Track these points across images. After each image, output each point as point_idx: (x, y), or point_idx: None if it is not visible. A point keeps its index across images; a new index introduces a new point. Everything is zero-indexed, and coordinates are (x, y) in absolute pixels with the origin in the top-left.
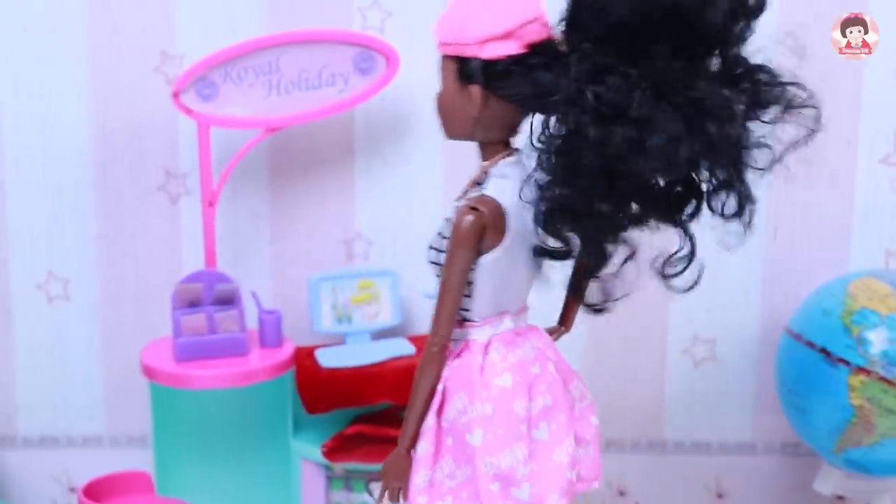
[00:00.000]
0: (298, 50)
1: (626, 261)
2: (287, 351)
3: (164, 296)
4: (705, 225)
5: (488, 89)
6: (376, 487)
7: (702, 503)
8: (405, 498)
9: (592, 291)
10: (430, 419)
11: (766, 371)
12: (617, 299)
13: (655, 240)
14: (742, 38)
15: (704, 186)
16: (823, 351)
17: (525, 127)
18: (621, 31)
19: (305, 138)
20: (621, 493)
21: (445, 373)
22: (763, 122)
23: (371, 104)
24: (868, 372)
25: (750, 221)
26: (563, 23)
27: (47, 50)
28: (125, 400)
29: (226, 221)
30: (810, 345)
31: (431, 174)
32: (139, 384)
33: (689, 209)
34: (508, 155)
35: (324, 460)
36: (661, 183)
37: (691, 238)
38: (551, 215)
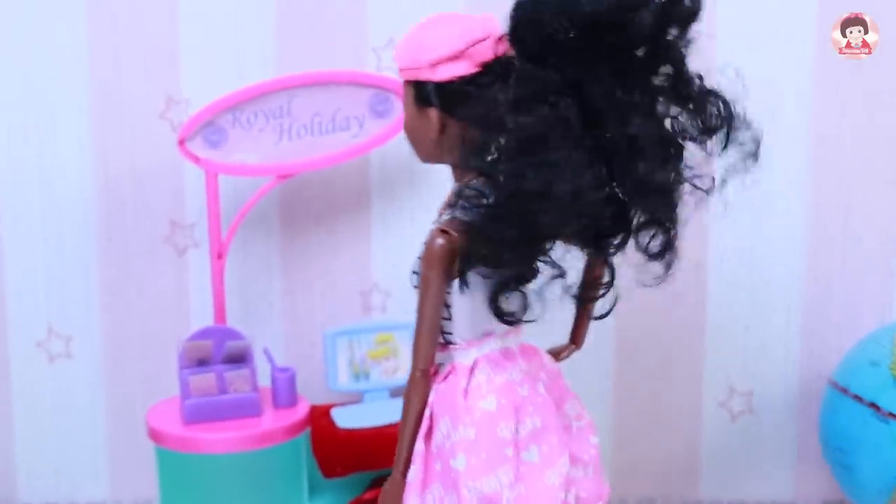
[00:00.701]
0: (311, 92)
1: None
2: (302, 411)
3: (170, 354)
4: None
5: (445, 111)
6: None
7: None
8: None
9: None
10: (420, 445)
11: (807, 425)
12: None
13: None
14: (678, 50)
15: (633, 222)
16: (873, 405)
17: None
18: (557, 46)
19: (318, 185)
20: None
21: (432, 397)
22: (705, 148)
23: (387, 148)
24: None
25: (670, 265)
26: (510, 42)
27: (47, 95)
28: (130, 464)
29: (235, 274)
30: (858, 398)
31: None
32: (145, 448)
33: (615, 241)
34: (479, 176)
35: None
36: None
37: (612, 270)
38: (474, 241)
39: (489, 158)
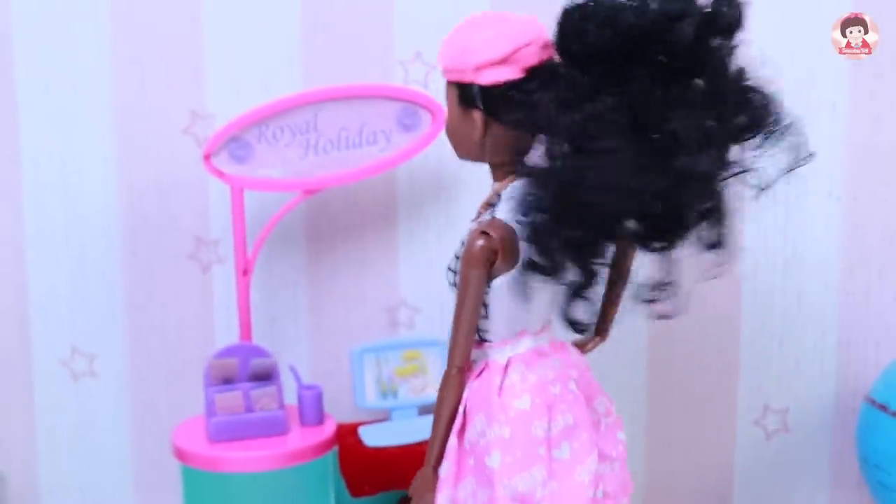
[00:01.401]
0: (337, 107)
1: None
2: (329, 429)
3: (196, 372)
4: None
5: (488, 114)
6: None
7: None
8: None
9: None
10: (453, 440)
11: (844, 443)
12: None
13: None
14: (723, 58)
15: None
16: None
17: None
18: (603, 54)
19: (345, 200)
20: None
21: (466, 394)
22: (752, 146)
23: (415, 163)
24: None
25: (728, 253)
26: (557, 49)
27: (70, 110)
28: (156, 484)
29: (261, 290)
30: None
31: None
32: (170, 467)
33: (668, 237)
34: (522, 176)
35: None
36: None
37: (670, 266)
38: (535, 236)
39: (546, 160)
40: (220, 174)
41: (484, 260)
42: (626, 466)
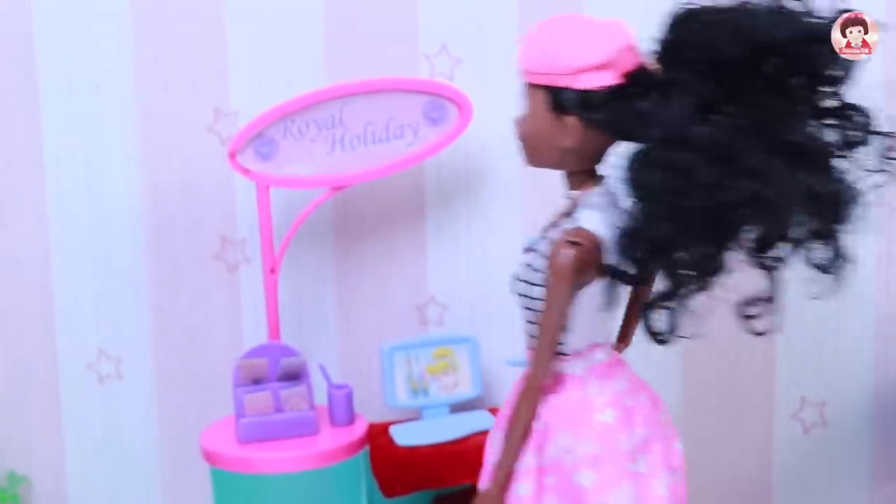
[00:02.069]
0: (363, 101)
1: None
2: (360, 429)
3: (224, 372)
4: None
5: (583, 120)
6: None
7: None
8: None
9: (657, 318)
10: (529, 458)
11: (884, 437)
12: (684, 336)
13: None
14: (846, 79)
15: (798, 233)
16: None
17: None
18: (726, 67)
19: (372, 196)
20: None
21: (542, 409)
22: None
23: (442, 157)
24: None
25: (841, 277)
26: (661, 55)
27: (92, 111)
28: (185, 486)
29: (289, 289)
30: None
31: (509, 231)
32: (200, 469)
33: (777, 253)
34: (597, 184)
35: None
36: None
37: (775, 281)
38: (639, 248)
39: (663, 171)
40: (246, 172)
41: (574, 271)
42: (685, 476)
